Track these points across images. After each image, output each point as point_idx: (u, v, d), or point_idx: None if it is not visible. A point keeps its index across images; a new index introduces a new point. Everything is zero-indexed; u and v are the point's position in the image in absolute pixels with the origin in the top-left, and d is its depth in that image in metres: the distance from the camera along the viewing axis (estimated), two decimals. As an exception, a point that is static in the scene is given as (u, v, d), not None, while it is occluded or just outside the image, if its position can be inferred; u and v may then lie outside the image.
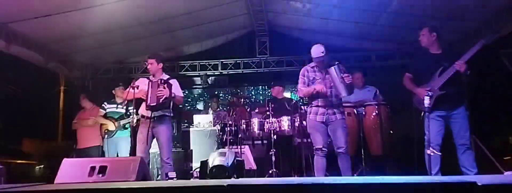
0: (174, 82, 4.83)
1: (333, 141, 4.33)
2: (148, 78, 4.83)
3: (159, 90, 4.53)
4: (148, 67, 4.84)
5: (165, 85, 4.58)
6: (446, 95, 3.99)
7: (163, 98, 4.54)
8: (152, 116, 4.62)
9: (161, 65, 4.88)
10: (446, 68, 4.02)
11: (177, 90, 4.82)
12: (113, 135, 5.76)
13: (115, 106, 5.90)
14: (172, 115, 4.81)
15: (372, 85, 6.05)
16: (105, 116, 5.88)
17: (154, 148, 5.01)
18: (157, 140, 4.75)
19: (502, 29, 5.71)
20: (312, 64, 4.47)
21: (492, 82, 6.12)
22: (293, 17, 7.53)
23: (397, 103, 5.80)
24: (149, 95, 4.58)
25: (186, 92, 10.01)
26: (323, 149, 4.26)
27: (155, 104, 4.55)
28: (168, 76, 4.93)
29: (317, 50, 4.34)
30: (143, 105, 4.70)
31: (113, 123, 5.77)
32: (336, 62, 4.27)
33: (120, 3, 5.84)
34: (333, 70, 4.21)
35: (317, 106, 4.32)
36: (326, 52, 4.33)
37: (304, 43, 8.08)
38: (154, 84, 4.62)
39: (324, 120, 4.28)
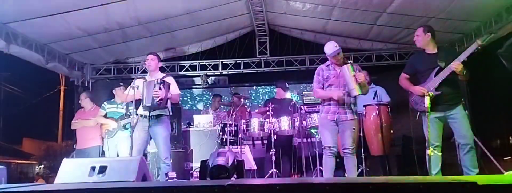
0: (170, 80, 4.82)
1: (341, 141, 4.33)
2: (144, 78, 4.80)
3: (155, 91, 4.52)
4: (148, 63, 4.81)
5: (162, 86, 4.56)
6: (443, 96, 4.00)
7: (158, 99, 4.52)
8: (150, 115, 4.60)
9: (160, 64, 4.93)
10: (442, 69, 4.02)
11: (174, 88, 4.81)
12: (113, 135, 5.76)
13: (115, 106, 5.90)
14: (170, 114, 4.81)
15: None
16: (105, 116, 5.87)
17: (155, 147, 5.01)
18: (154, 139, 4.72)
19: (502, 29, 5.71)
20: (327, 63, 4.46)
21: (492, 83, 6.12)
22: (293, 17, 7.53)
23: (397, 103, 5.81)
24: (144, 96, 4.55)
25: (186, 92, 10.01)
26: (332, 148, 4.23)
27: (150, 104, 4.54)
28: (164, 75, 4.93)
29: (331, 46, 4.32)
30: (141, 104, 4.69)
31: (116, 122, 5.76)
32: (349, 61, 4.28)
33: (120, 3, 5.84)
34: (346, 68, 4.19)
35: (329, 105, 4.31)
36: (340, 47, 4.33)
37: (304, 43, 8.13)
38: (149, 84, 4.60)
39: (335, 119, 4.26)
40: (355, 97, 4.34)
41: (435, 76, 4.05)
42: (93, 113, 6.05)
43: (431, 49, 4.21)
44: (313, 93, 4.56)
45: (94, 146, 5.95)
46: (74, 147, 6.27)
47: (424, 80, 4.14)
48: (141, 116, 4.68)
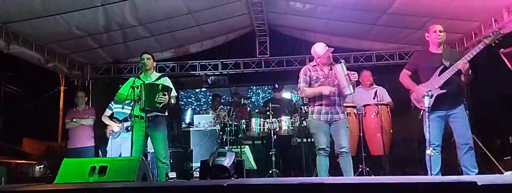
0: (168, 82, 4.81)
1: (335, 141, 4.28)
2: (139, 77, 4.75)
3: (160, 97, 4.49)
4: (145, 62, 4.77)
5: (166, 92, 4.54)
6: (446, 95, 4.00)
7: (161, 105, 4.50)
8: (146, 116, 4.57)
9: (154, 63, 4.94)
10: (447, 68, 4.01)
11: (173, 91, 4.79)
12: (117, 136, 5.76)
13: (121, 106, 5.87)
14: (166, 114, 4.80)
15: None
16: (112, 116, 5.86)
17: (154, 148, 5.00)
18: (152, 140, 4.72)
19: (502, 29, 5.70)
20: (313, 63, 4.43)
21: (492, 83, 6.12)
22: (293, 17, 7.52)
23: (397, 103, 5.81)
24: (143, 98, 4.49)
25: (187, 92, 10.01)
26: (326, 149, 4.21)
27: (149, 108, 4.50)
28: (159, 74, 4.92)
29: (321, 46, 4.30)
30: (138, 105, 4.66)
31: (118, 123, 5.76)
32: (341, 61, 4.25)
33: (120, 3, 5.84)
34: (339, 67, 4.18)
35: (320, 105, 4.26)
36: (329, 47, 4.32)
37: (304, 43, 8.12)
38: (150, 86, 4.56)
39: (328, 119, 4.24)
40: (345, 96, 4.35)
41: (439, 75, 4.04)
42: (88, 113, 6.07)
43: (436, 48, 4.20)
44: (299, 93, 4.42)
45: (86, 146, 5.94)
46: (67, 146, 6.28)
47: (427, 79, 4.13)
48: (137, 116, 4.67)
